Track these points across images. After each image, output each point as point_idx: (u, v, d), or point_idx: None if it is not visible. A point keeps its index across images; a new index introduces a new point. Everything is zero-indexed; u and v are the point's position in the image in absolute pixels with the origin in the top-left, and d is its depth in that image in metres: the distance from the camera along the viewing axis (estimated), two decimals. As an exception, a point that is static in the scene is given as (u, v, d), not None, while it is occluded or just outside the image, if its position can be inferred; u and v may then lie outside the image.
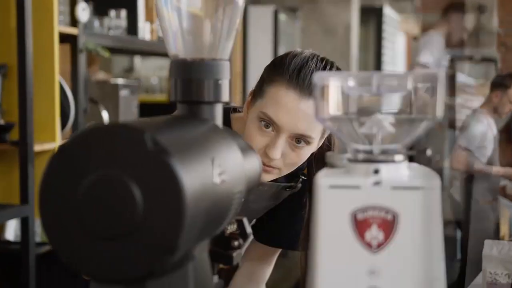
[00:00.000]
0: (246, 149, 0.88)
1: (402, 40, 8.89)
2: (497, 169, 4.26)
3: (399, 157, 0.72)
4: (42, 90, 2.50)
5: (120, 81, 3.19)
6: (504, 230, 4.57)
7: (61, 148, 0.65)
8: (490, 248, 1.84)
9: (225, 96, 0.84)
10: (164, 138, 0.64)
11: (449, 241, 4.23)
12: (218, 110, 0.84)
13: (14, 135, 2.42)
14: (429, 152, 4.46)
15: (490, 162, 4.23)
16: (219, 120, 0.84)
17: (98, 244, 0.62)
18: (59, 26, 2.57)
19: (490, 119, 4.22)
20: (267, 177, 1.27)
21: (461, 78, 4.75)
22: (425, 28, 9.84)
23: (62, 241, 0.64)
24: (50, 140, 2.53)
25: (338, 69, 1.29)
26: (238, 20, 0.86)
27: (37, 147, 2.43)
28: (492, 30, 9.66)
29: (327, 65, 1.25)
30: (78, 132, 0.66)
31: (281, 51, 6.12)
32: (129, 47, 3.21)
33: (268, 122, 1.23)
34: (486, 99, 4.35)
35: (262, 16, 4.68)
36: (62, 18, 2.64)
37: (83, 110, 2.73)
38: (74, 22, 2.68)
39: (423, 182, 0.69)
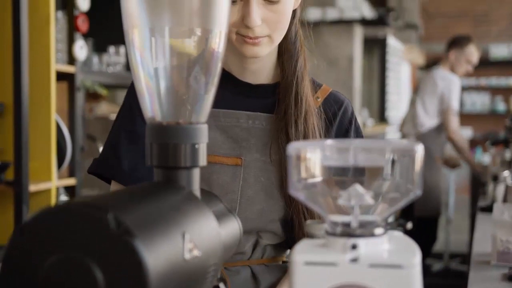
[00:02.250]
0: (224, 213, 0.85)
1: (406, 69, 8.90)
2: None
3: (378, 231, 0.69)
4: (39, 129, 2.49)
5: (120, 117, 3.17)
6: None
7: (22, 227, 0.62)
8: (501, 212, 1.67)
9: (202, 161, 0.81)
10: (129, 217, 0.61)
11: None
12: (195, 175, 0.81)
13: (9, 174, 2.40)
14: None
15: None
16: (196, 185, 0.81)
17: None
18: (57, 64, 2.56)
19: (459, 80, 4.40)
20: (260, 50, 1.18)
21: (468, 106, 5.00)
22: (429, 57, 9.87)
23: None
24: (46, 179, 2.51)
25: None
26: (216, 82, 0.83)
27: (33, 187, 2.41)
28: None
29: None
30: (41, 210, 0.63)
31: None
32: (128, 84, 3.20)
33: None
34: (443, 59, 4.44)
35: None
36: (60, 56, 2.63)
37: (80, 148, 2.71)
38: (72, 60, 2.67)
39: (403, 260, 0.66)
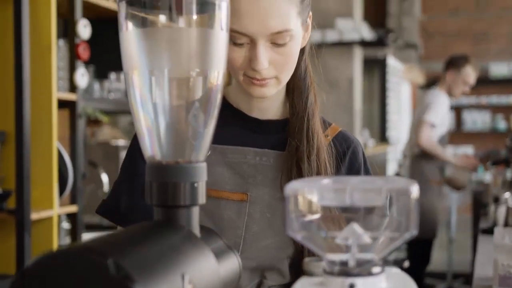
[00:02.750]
0: (223, 251, 0.86)
1: (406, 88, 8.93)
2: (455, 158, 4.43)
3: (376, 269, 0.69)
4: (40, 157, 2.50)
5: (121, 142, 3.20)
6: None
7: (24, 272, 0.63)
8: (502, 236, 1.66)
9: (201, 199, 0.82)
10: (128, 262, 0.62)
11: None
12: (195, 213, 0.82)
13: (11, 202, 2.41)
14: None
15: (440, 143, 4.33)
16: (195, 223, 0.82)
17: None
18: (58, 92, 2.58)
19: (447, 99, 4.38)
20: (267, 91, 1.17)
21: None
22: (429, 77, 9.91)
23: None
24: (47, 207, 2.51)
25: None
26: (214, 120, 0.85)
27: (34, 215, 2.42)
28: (415, 17, 9.73)
29: None
30: (42, 255, 0.64)
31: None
32: (129, 110, 3.22)
33: (238, 38, 1.11)
34: (440, 80, 4.46)
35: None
36: (62, 83, 2.65)
37: (81, 175, 2.72)
38: (73, 87, 2.69)
39: (400, 300, 0.66)
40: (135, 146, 1.25)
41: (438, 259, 6.61)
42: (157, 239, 0.74)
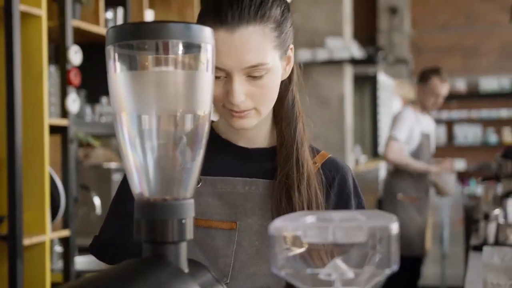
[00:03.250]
0: (211, 284, 0.88)
1: (398, 104, 8.99)
2: (419, 165, 4.30)
3: (359, 305, 0.72)
4: (32, 182, 2.51)
5: (113, 165, 3.21)
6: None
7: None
8: (491, 255, 1.67)
9: (189, 234, 0.84)
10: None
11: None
12: (183, 249, 0.84)
13: (3, 229, 2.42)
14: None
15: (415, 158, 4.29)
16: (183, 258, 0.84)
17: None
18: (50, 118, 2.60)
19: (419, 114, 4.31)
20: (247, 123, 1.18)
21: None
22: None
23: None
24: (40, 233, 2.52)
25: None
26: (201, 159, 0.87)
27: (27, 241, 2.43)
28: (405, 32, 9.81)
29: None
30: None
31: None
32: (120, 133, 3.23)
33: (215, 71, 1.09)
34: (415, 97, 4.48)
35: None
36: (53, 109, 2.67)
37: (73, 200, 2.73)
38: (64, 113, 2.71)
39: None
40: (124, 184, 1.26)
41: (431, 274, 6.63)
42: (145, 276, 0.76)
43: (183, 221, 0.83)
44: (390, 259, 0.71)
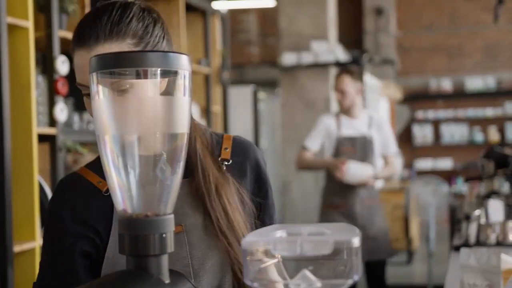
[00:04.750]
0: (193, 294, 0.94)
1: (385, 104, 9.07)
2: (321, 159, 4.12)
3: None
4: (21, 191, 2.56)
5: (101, 171, 3.26)
6: None
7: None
8: (467, 257, 1.72)
9: (170, 247, 0.91)
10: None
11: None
12: (164, 261, 0.90)
13: (-7, 236, 2.47)
14: None
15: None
16: (165, 270, 0.90)
17: None
18: (38, 127, 2.65)
19: (342, 118, 4.09)
20: None
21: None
22: (407, 92, 10.07)
23: None
24: (29, 239, 2.57)
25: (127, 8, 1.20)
26: (180, 176, 0.93)
27: (17, 248, 2.48)
28: (391, 33, 9.90)
29: (108, 5, 1.20)
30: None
31: (262, 128, 6.26)
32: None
33: (86, 91, 1.17)
34: None
35: (242, 95, 4.80)
36: (41, 118, 2.72)
37: (62, 206, 2.78)
38: (52, 122, 2.76)
39: None
40: (54, 219, 1.26)
41: (418, 272, 6.72)
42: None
43: (164, 235, 0.89)
44: (352, 269, 0.78)
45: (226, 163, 1.31)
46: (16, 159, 2.53)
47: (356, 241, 0.77)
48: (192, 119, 1.31)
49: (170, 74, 0.90)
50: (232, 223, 1.26)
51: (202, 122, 3.00)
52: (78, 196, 1.26)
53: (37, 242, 2.60)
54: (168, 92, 0.90)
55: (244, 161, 1.34)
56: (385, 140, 4.13)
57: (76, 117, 3.03)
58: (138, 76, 0.89)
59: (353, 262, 0.78)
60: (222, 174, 1.29)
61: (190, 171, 1.27)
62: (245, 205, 1.30)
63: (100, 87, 0.89)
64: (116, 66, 0.88)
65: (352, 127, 4.12)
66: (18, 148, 2.55)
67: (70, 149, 2.80)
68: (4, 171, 2.44)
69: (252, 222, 1.31)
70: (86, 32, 1.18)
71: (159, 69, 0.88)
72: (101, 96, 0.89)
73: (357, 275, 0.78)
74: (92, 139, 3.08)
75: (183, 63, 0.90)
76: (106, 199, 1.21)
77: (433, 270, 5.52)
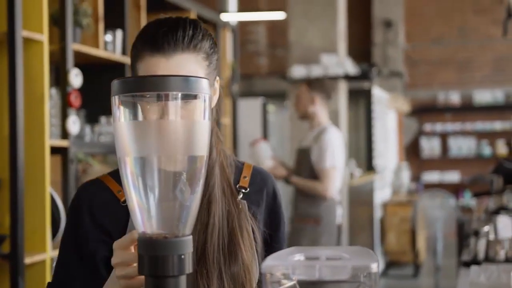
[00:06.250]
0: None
1: (393, 117, 9.07)
2: (296, 180, 4.01)
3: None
4: (34, 202, 2.58)
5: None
6: None
7: None
8: (478, 274, 1.73)
9: (188, 268, 0.92)
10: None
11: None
12: (182, 282, 0.92)
13: (5, 247, 2.49)
14: None
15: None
16: (183, 291, 0.91)
17: None
18: (51, 139, 2.67)
19: (309, 130, 4.10)
20: None
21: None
22: (415, 104, 10.07)
23: None
24: (41, 251, 2.59)
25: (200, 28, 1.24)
26: (199, 197, 0.94)
27: (28, 260, 2.49)
28: (399, 46, 9.88)
29: (180, 19, 1.23)
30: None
31: (271, 140, 6.28)
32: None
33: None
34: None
35: (251, 108, 4.80)
36: (54, 130, 2.75)
37: (73, 218, 2.79)
38: (65, 134, 2.78)
39: None
40: (75, 223, 1.28)
41: (425, 286, 6.69)
42: (148, 311, 0.83)
43: (182, 256, 0.91)
44: (370, 293, 0.79)
45: (243, 191, 1.32)
46: (29, 170, 2.55)
47: (374, 267, 0.78)
48: (216, 134, 1.32)
49: (190, 97, 0.91)
50: (235, 250, 1.25)
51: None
52: (97, 202, 1.28)
53: (48, 254, 2.61)
54: (188, 115, 0.92)
55: (261, 191, 1.36)
56: (320, 154, 3.98)
57: (87, 129, 3.05)
58: (159, 99, 0.91)
59: (372, 286, 0.79)
60: (235, 204, 1.29)
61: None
62: (254, 234, 1.30)
63: (121, 110, 0.91)
64: (138, 90, 0.90)
65: (307, 139, 4.14)
66: (31, 160, 2.57)
67: (81, 161, 2.82)
68: (17, 183, 2.46)
69: (259, 251, 1.30)
70: (164, 40, 1.19)
71: (179, 93, 0.90)
72: (122, 119, 0.91)
73: (376, 300, 0.79)
74: (103, 151, 3.10)
75: (203, 87, 0.92)
76: (123, 208, 1.23)
77: (440, 284, 5.51)
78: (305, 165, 4.01)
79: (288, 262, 0.81)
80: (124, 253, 1.02)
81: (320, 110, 4.09)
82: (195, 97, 0.91)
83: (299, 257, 0.83)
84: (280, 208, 1.38)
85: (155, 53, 1.19)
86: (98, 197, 1.29)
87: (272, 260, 0.81)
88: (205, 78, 0.94)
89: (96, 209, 1.27)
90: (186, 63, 1.20)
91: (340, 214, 4.18)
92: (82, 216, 1.27)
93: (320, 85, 4.12)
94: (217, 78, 1.31)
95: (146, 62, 1.20)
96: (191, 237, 0.93)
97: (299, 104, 4.12)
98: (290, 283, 0.83)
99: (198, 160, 0.92)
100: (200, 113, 0.92)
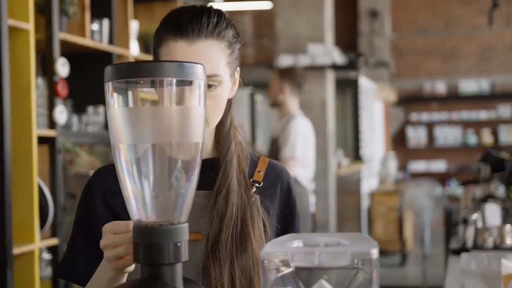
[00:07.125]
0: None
1: (379, 106, 9.09)
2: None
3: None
4: (21, 193, 2.55)
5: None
6: None
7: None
8: (468, 261, 1.73)
9: (184, 256, 0.91)
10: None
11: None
12: (178, 269, 0.91)
13: (-7, 239, 2.46)
14: None
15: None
16: (178, 278, 0.90)
17: None
18: (38, 129, 2.65)
19: None
20: None
21: None
22: (401, 94, 10.10)
23: None
24: (29, 241, 2.57)
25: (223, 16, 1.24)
26: (194, 185, 0.93)
27: (16, 250, 2.47)
28: (386, 36, 9.92)
29: (204, 7, 1.24)
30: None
31: (259, 131, 6.27)
32: (106, 141, 3.30)
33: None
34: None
35: (238, 97, 4.76)
36: (41, 120, 2.72)
37: (61, 208, 2.78)
38: (52, 124, 2.76)
39: None
40: (88, 201, 1.28)
41: (412, 274, 6.74)
42: (144, 299, 0.82)
43: (178, 244, 0.90)
44: (371, 281, 0.78)
45: (257, 185, 1.31)
46: (16, 161, 2.53)
47: (374, 253, 0.78)
48: (233, 127, 1.31)
49: (185, 83, 0.90)
50: (245, 243, 1.24)
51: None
52: (110, 187, 1.25)
53: (37, 244, 2.59)
54: (183, 101, 0.90)
55: (275, 186, 1.34)
56: (283, 143, 4.00)
57: (75, 119, 3.03)
58: (153, 85, 0.90)
59: (371, 273, 0.78)
60: (248, 196, 1.28)
61: (217, 184, 1.27)
62: (264, 227, 1.28)
63: (115, 97, 0.89)
64: (132, 76, 0.88)
65: (276, 128, 4.19)
66: (18, 150, 2.54)
67: (69, 151, 2.80)
68: (4, 173, 2.44)
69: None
70: (189, 25, 1.19)
71: (174, 79, 0.88)
72: (115, 105, 0.89)
73: (376, 287, 0.78)
74: (91, 140, 3.08)
75: (198, 73, 0.90)
76: None
77: (427, 272, 5.54)
78: (274, 154, 4.01)
79: (287, 248, 0.80)
80: (112, 235, 1.01)
81: (289, 99, 4.08)
82: (190, 83, 0.90)
83: (297, 243, 0.82)
84: (294, 203, 1.37)
85: (178, 38, 1.19)
86: (111, 182, 1.28)
87: (270, 247, 0.81)
88: (200, 64, 0.92)
89: (108, 193, 1.26)
90: (209, 49, 1.20)
91: (313, 203, 4.16)
92: (94, 198, 1.27)
93: (291, 75, 4.12)
94: (238, 69, 1.30)
95: (168, 47, 1.20)
96: (186, 224, 0.92)
97: (270, 92, 4.14)
98: (289, 269, 0.82)
99: (193, 147, 0.91)
100: (195, 99, 0.90)
